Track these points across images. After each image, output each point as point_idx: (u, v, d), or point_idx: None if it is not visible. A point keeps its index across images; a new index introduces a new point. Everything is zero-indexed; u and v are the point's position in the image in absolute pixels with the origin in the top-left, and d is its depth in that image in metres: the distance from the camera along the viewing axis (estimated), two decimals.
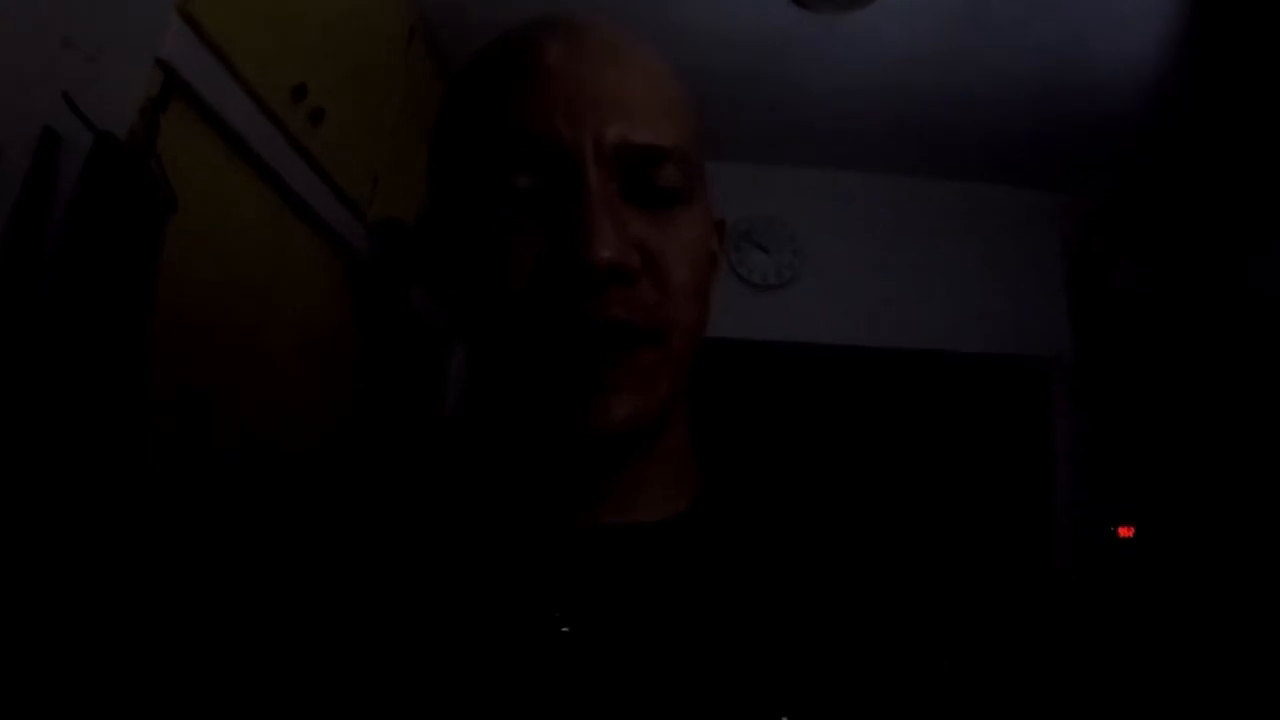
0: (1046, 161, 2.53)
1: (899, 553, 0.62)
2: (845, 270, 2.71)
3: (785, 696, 0.49)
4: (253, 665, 0.47)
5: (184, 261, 1.12)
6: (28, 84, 0.87)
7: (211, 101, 1.19)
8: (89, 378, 0.87)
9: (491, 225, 0.49)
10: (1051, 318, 2.63)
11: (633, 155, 0.49)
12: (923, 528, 2.46)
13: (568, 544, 0.52)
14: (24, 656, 0.70)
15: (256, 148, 1.32)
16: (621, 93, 0.50)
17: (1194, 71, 1.99)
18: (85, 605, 0.76)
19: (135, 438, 0.95)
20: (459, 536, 0.53)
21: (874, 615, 0.56)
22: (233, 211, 1.31)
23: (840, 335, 2.69)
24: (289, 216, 1.48)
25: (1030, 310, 2.64)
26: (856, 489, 2.58)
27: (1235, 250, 2.41)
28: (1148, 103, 2.13)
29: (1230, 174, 2.35)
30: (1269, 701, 1.88)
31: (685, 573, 0.52)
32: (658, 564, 0.52)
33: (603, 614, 0.49)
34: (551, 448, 0.52)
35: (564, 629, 0.48)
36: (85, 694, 0.48)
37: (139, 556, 0.90)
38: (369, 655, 0.47)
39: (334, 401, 1.69)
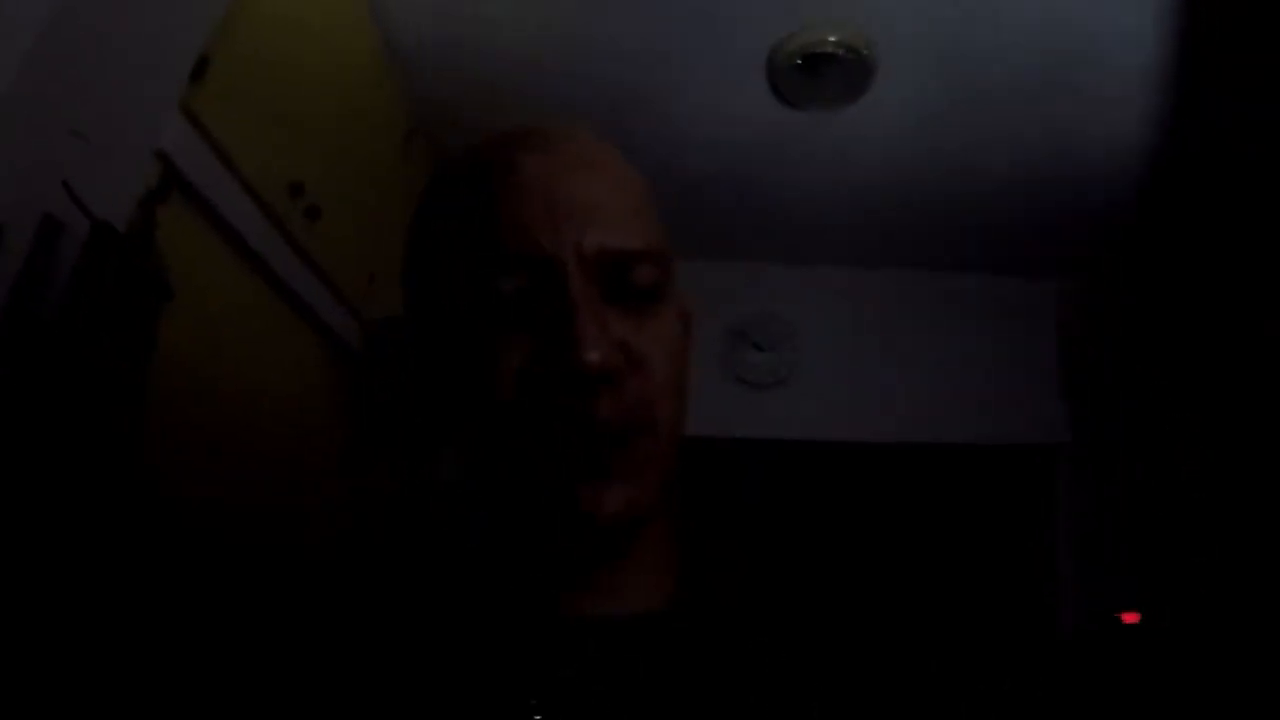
0: (1038, 249, 2.57)
1: (874, 657, 0.62)
2: (844, 366, 2.70)
3: None
4: None
5: (176, 352, 1.09)
6: (32, 171, 0.86)
7: (209, 195, 1.18)
8: (81, 459, 0.84)
9: (477, 331, 0.51)
10: (1050, 405, 2.64)
11: (611, 259, 0.51)
12: (924, 622, 2.38)
13: (548, 633, 0.53)
14: None
15: (252, 242, 1.31)
16: (596, 200, 0.53)
17: (1180, 151, 2.03)
18: None
19: (128, 522, 0.91)
20: (444, 623, 0.54)
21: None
22: (228, 304, 1.29)
23: (840, 431, 2.66)
24: (284, 312, 1.46)
25: (1029, 398, 2.65)
26: (857, 586, 2.50)
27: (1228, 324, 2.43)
28: (1135, 185, 2.17)
29: (1221, 253, 2.38)
30: None
31: (658, 667, 0.53)
32: (632, 657, 0.53)
33: (575, 703, 0.50)
34: (546, 538, 0.54)
35: (536, 717, 0.49)
36: None
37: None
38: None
39: (323, 501, 1.63)
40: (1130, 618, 2.31)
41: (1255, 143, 1.93)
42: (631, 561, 0.56)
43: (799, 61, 1.83)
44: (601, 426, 0.49)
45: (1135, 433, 2.47)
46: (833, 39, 1.78)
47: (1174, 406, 2.43)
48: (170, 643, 0.56)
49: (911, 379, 2.67)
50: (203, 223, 1.21)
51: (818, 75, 1.86)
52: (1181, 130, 1.96)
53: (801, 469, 2.79)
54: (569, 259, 0.50)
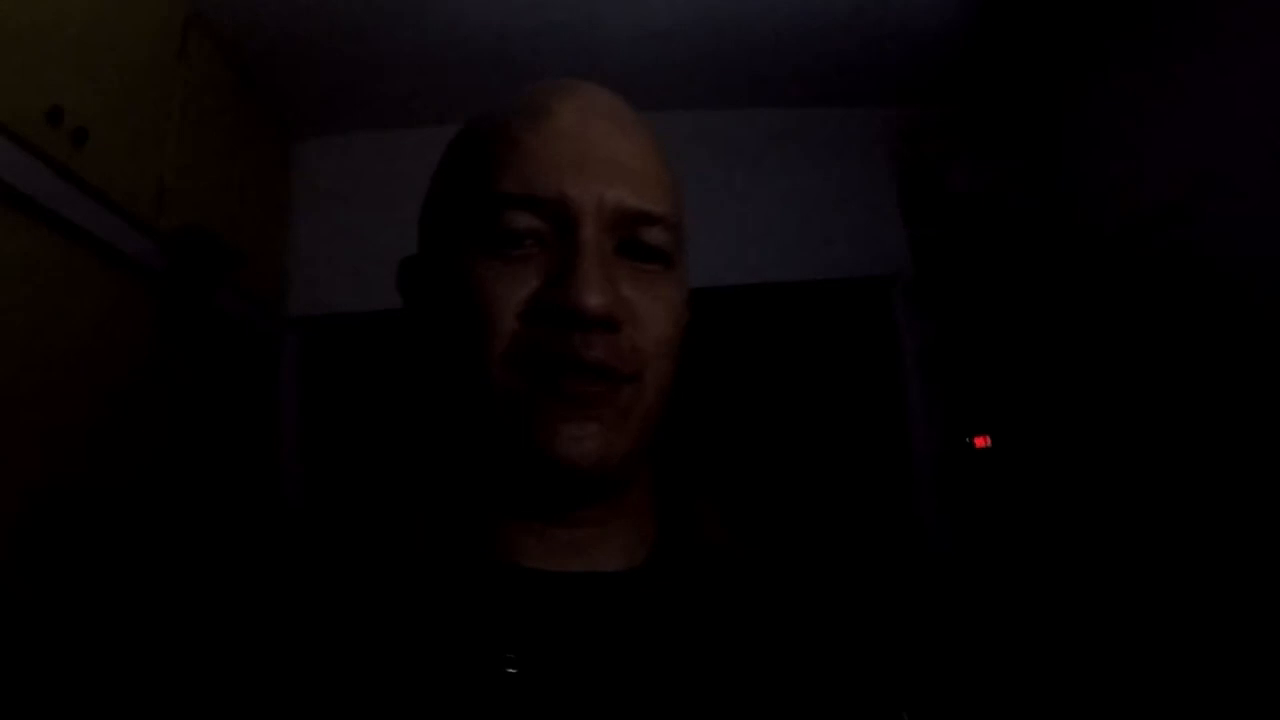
0: (868, 77, 2.50)
1: (845, 593, 0.65)
2: None
3: None
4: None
5: None
6: None
7: None
8: None
9: (489, 267, 0.53)
10: (890, 236, 2.60)
11: (628, 217, 0.54)
12: (789, 466, 2.46)
13: (525, 588, 0.54)
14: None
15: (11, 183, 1.21)
16: (625, 159, 0.55)
17: None
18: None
19: None
20: (418, 576, 0.54)
21: (820, 667, 0.58)
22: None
23: None
24: (64, 247, 1.37)
25: (869, 231, 2.60)
26: (720, 429, 2.51)
27: (1050, 153, 2.46)
28: (966, 7, 2.14)
29: (1045, 69, 2.40)
30: (1126, 605, 1.97)
31: (635, 621, 0.54)
32: (608, 612, 0.54)
33: (550, 657, 0.51)
34: (522, 477, 0.54)
35: (510, 670, 0.49)
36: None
37: None
38: (321, 695, 0.48)
39: (146, 417, 1.59)
40: (981, 441, 2.37)
41: None
42: (612, 522, 0.58)
43: None
44: (591, 364, 0.51)
45: (974, 260, 2.47)
46: None
47: (1007, 227, 2.45)
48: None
49: (747, 220, 2.58)
50: None
51: None
52: None
53: None
54: (589, 207, 0.52)
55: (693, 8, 2.11)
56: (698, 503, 0.65)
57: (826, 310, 2.64)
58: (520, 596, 0.53)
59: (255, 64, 2.07)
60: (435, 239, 0.59)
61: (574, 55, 2.22)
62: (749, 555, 0.63)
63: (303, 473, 2.28)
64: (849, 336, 2.61)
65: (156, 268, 1.64)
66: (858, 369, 2.59)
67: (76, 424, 1.36)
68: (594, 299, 0.50)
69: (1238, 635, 1.68)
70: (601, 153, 0.54)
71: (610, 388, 0.52)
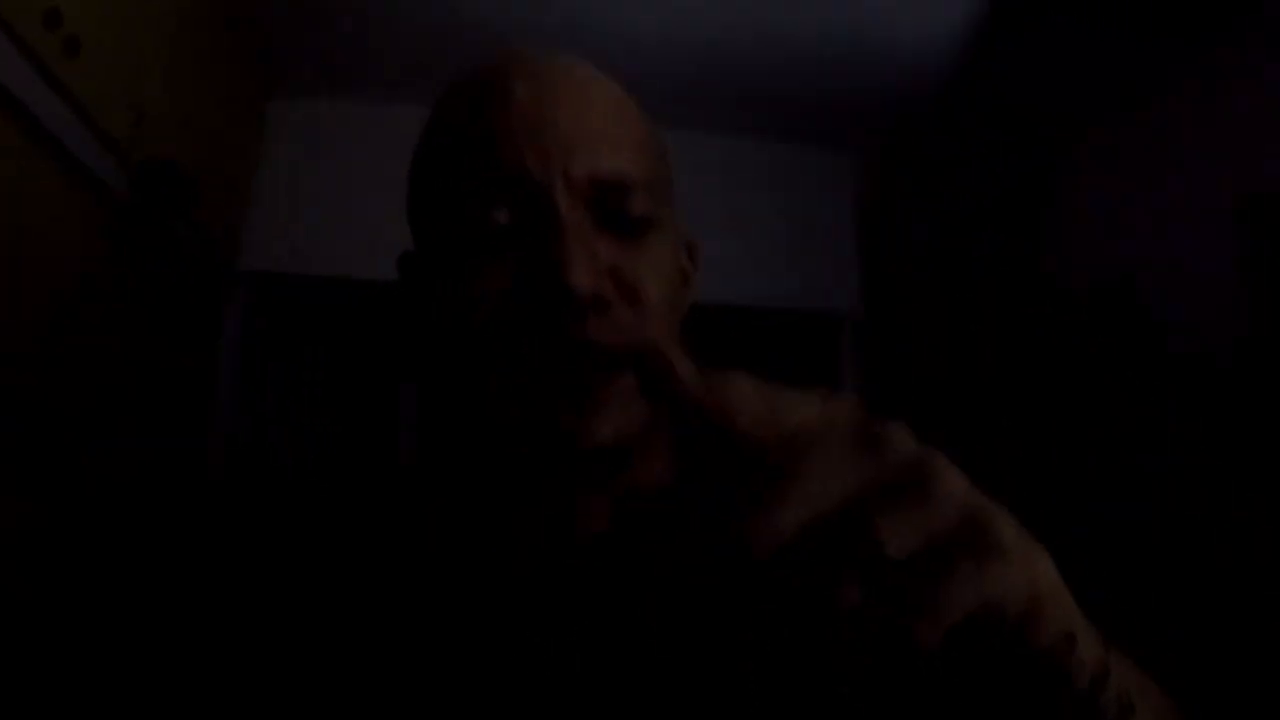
0: (838, 122, 2.59)
1: None
2: None
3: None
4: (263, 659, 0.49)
5: None
6: None
7: None
8: None
9: (468, 258, 0.51)
10: (844, 275, 2.67)
11: (601, 186, 0.51)
12: None
13: (549, 552, 0.54)
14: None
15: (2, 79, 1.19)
16: (588, 127, 0.52)
17: (985, 39, 2.14)
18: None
19: None
20: (447, 548, 0.54)
21: None
22: None
23: None
24: (33, 154, 1.34)
25: (823, 267, 2.66)
26: None
27: (1022, 226, 2.60)
28: (936, 66, 2.25)
29: (1017, 141, 2.54)
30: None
31: (652, 584, 0.53)
32: (628, 573, 0.53)
33: (573, 623, 0.51)
34: (535, 466, 0.54)
35: (550, 631, 0.50)
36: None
37: None
38: (363, 657, 0.49)
39: (97, 346, 1.56)
40: None
41: (1053, 35, 2.07)
42: (630, 477, 0.56)
43: None
44: (592, 350, 0.48)
45: (924, 307, 2.53)
46: None
47: (960, 283, 2.54)
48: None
49: (708, 241, 2.60)
50: None
51: None
52: (989, 17, 2.05)
53: None
54: (557, 184, 0.50)
55: (681, 29, 2.17)
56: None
57: (772, 339, 2.68)
58: (540, 561, 0.54)
59: (246, 13, 2.07)
60: (420, 235, 0.58)
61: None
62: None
63: (231, 426, 2.24)
64: (791, 368, 2.66)
65: (120, 192, 1.62)
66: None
67: (21, 329, 1.33)
68: (579, 279, 0.47)
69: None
70: (563, 124, 0.52)
71: (613, 373, 0.50)
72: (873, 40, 2.18)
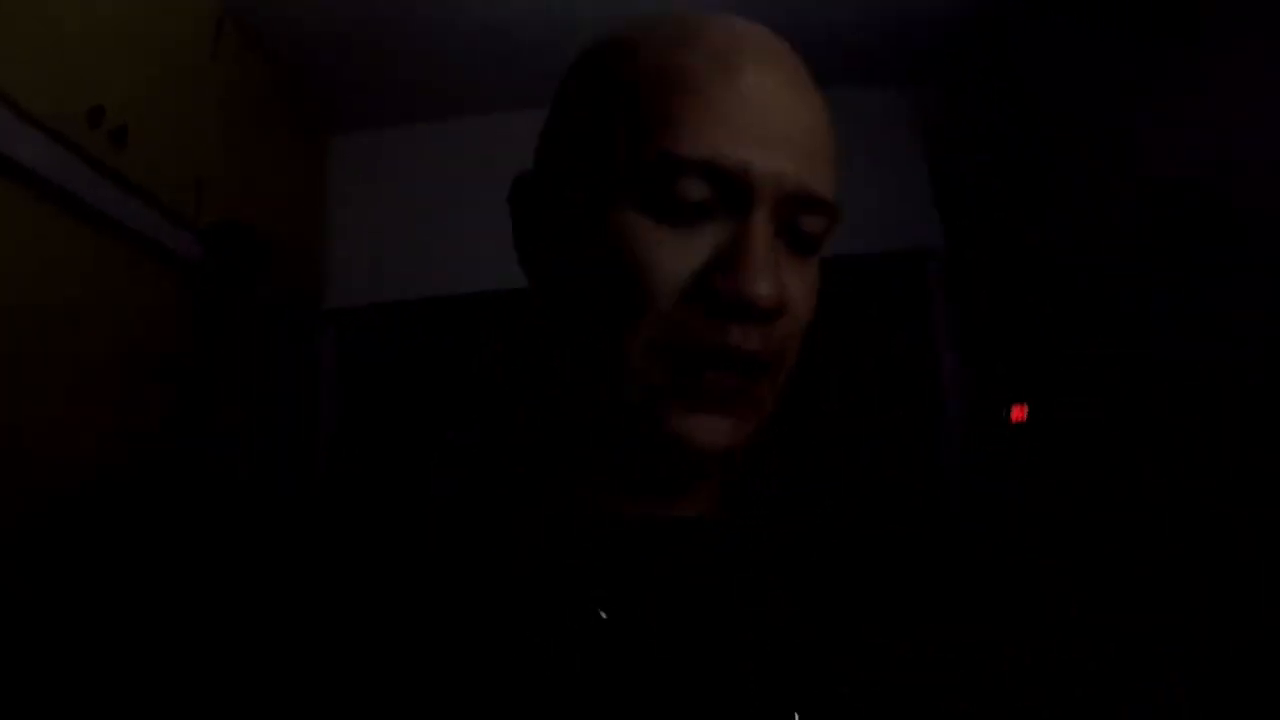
0: (897, 57, 2.50)
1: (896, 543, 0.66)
2: None
3: (797, 693, 0.50)
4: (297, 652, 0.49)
5: None
6: None
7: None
8: None
9: (651, 232, 0.49)
10: (922, 210, 2.61)
11: (799, 200, 0.50)
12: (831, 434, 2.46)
13: (615, 534, 0.53)
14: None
15: (57, 182, 1.26)
16: (805, 135, 0.50)
17: None
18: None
19: None
20: (508, 523, 0.54)
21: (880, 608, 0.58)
22: (45, 258, 1.26)
23: None
24: (104, 243, 1.42)
25: (901, 207, 2.61)
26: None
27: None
28: None
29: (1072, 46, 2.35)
30: (1166, 572, 1.91)
31: (721, 566, 0.54)
32: (697, 556, 0.54)
33: (639, 602, 0.50)
34: (640, 456, 0.53)
35: (602, 615, 0.49)
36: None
37: None
38: (412, 639, 0.48)
39: (186, 409, 1.65)
40: (1018, 413, 2.29)
41: None
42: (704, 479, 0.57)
43: None
44: (744, 358, 0.48)
45: (1005, 234, 2.43)
46: None
47: (1043, 205, 2.38)
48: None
49: None
50: None
51: None
52: None
53: None
54: (769, 187, 0.48)
55: None
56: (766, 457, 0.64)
57: (861, 284, 2.63)
58: (611, 543, 0.53)
59: (291, 60, 2.12)
60: (571, 175, 0.54)
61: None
62: (801, 512, 0.63)
63: (339, 465, 2.33)
64: (883, 311, 2.62)
65: (195, 262, 1.69)
66: (892, 342, 2.59)
67: (117, 417, 1.41)
68: (767, 290, 0.47)
69: None
70: (785, 125, 0.49)
71: (751, 380, 0.50)
72: None
